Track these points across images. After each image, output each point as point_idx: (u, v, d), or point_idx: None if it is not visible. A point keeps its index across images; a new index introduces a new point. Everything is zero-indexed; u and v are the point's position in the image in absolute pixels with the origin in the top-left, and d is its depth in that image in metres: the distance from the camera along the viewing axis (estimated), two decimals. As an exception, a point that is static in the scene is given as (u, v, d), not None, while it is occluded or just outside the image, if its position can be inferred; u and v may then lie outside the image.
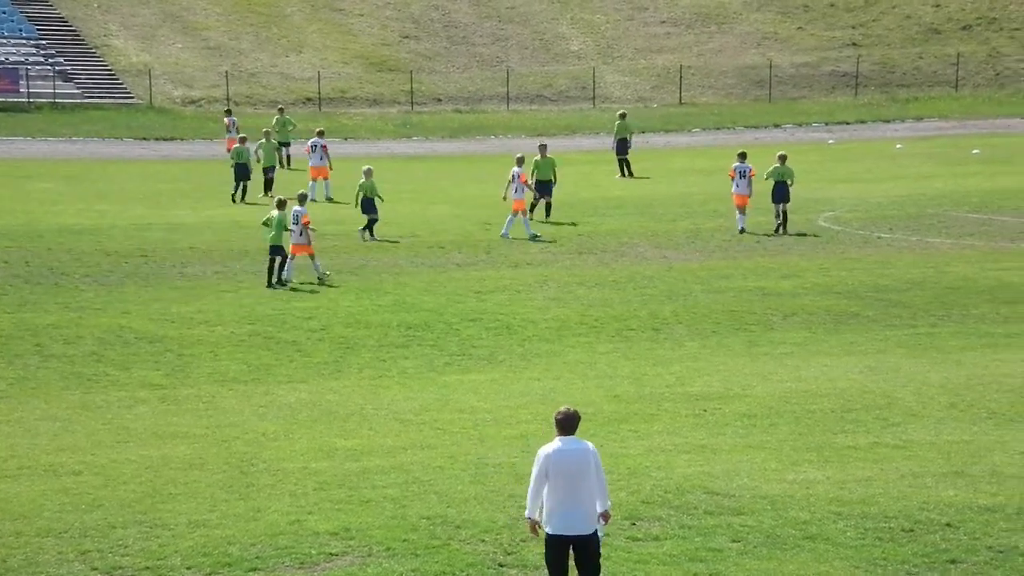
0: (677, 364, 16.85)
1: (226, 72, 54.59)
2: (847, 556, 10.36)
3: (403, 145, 48.29)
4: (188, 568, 10.25)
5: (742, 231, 27.18)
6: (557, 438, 9.00)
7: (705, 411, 14.55)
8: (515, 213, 26.68)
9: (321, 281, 22.53)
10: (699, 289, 21.56)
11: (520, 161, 27.24)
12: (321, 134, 33.64)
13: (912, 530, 10.87)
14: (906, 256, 24.42)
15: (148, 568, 10.26)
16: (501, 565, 10.23)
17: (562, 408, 9.10)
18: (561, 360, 17.23)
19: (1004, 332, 18.37)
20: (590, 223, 28.68)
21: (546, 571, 9.08)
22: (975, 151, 41.70)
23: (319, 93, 54.77)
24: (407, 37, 60.66)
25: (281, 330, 19.00)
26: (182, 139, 48.10)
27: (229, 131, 40.99)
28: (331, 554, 10.49)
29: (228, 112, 43.36)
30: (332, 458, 13.01)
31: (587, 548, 8.86)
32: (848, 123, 52.45)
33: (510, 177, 26.85)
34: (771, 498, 11.55)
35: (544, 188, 29.00)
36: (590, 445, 8.98)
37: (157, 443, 13.62)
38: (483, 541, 10.70)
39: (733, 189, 27.63)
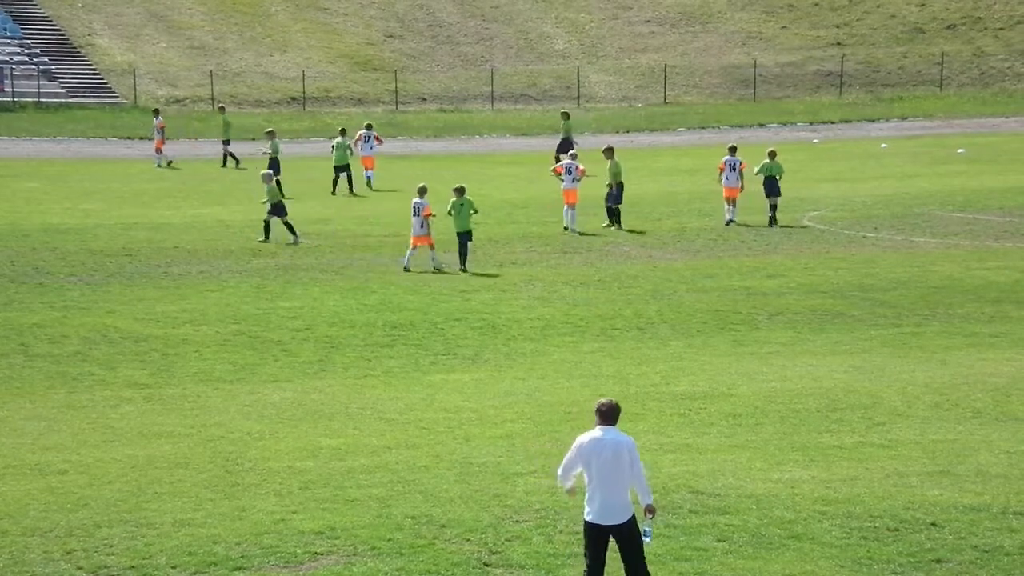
0: (662, 363, 16.87)
1: (211, 71, 54.46)
2: (832, 555, 10.38)
3: (387, 144, 48.24)
4: (173, 567, 10.22)
5: (729, 223, 27.57)
6: (597, 427, 9.13)
7: (690, 410, 14.57)
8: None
9: (438, 271, 23.02)
10: (684, 288, 21.59)
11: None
12: (370, 127, 36.18)
13: (897, 529, 10.89)
14: (891, 255, 24.49)
15: (133, 567, 10.23)
16: (486, 564, 10.23)
17: (603, 398, 9.32)
18: (546, 359, 17.23)
19: (989, 331, 18.44)
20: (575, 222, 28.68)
21: (584, 562, 9.13)
22: (960, 150, 41.85)
23: (304, 92, 54.68)
24: (391, 36, 60.61)
25: (266, 329, 18.96)
26: (167, 139, 47.91)
27: (159, 132, 40.36)
28: (316, 553, 10.47)
29: (156, 112, 42.68)
30: (317, 457, 12.99)
31: (624, 536, 9.03)
32: (833, 122, 52.59)
33: (563, 169, 27.00)
34: (756, 497, 11.57)
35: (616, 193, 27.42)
36: (628, 438, 9.14)
37: (142, 442, 13.58)
38: (468, 540, 10.69)
39: (723, 182, 27.93)
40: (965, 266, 23.24)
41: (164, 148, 40.43)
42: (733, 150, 28.45)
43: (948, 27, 61.97)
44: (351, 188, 33.72)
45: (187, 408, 15.00)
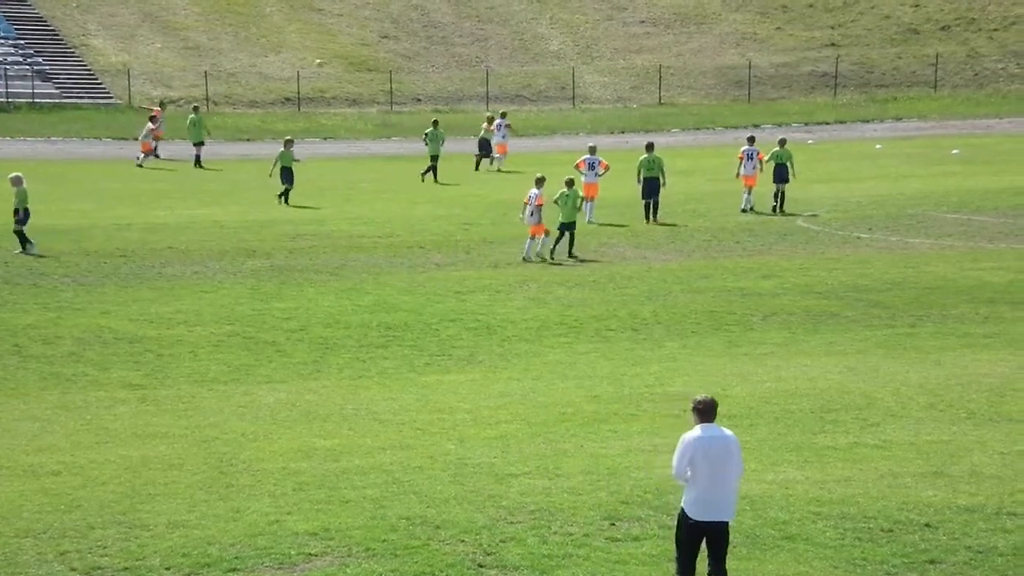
0: (656, 364, 16.87)
1: (205, 72, 54.40)
2: (826, 556, 10.39)
3: (382, 145, 48.22)
4: (167, 569, 10.20)
5: (746, 210, 29.49)
6: (698, 426, 9.14)
7: (684, 411, 14.45)
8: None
9: (542, 259, 23.86)
10: (679, 289, 21.60)
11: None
12: (504, 115, 40.44)
13: (891, 530, 10.90)
14: (885, 256, 24.51)
15: (127, 568, 10.21)
16: (480, 566, 10.22)
17: (699, 396, 9.27)
18: (541, 360, 17.23)
19: (983, 332, 18.46)
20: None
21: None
22: (955, 151, 41.90)
23: (298, 93, 54.64)
24: (386, 37, 60.57)
25: (260, 330, 18.94)
26: (161, 139, 47.85)
27: (146, 135, 40.47)
28: (310, 554, 10.46)
29: (163, 104, 42.92)
30: (311, 458, 12.98)
31: (722, 535, 9.12)
32: (827, 123, 52.64)
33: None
34: (751, 498, 11.57)
35: (651, 187, 28.30)
36: (732, 434, 9.18)
37: (136, 443, 13.56)
38: (463, 541, 10.69)
39: (741, 171, 29.93)
40: (959, 267, 23.26)
41: (147, 149, 40.41)
42: (752, 140, 30.62)
43: (942, 28, 62.05)
44: (435, 177, 35.84)
45: (181, 409, 14.97)
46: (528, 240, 24.29)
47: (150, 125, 40.48)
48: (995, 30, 61.69)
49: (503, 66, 59.04)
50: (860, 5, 63.54)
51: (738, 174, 30.28)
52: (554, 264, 24.17)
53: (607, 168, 29.03)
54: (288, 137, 34.80)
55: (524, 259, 24.04)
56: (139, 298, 21.12)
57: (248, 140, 48.14)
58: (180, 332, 18.80)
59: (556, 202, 24.41)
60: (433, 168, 36.19)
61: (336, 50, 58.94)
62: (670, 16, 63.30)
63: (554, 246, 24.41)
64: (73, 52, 55.76)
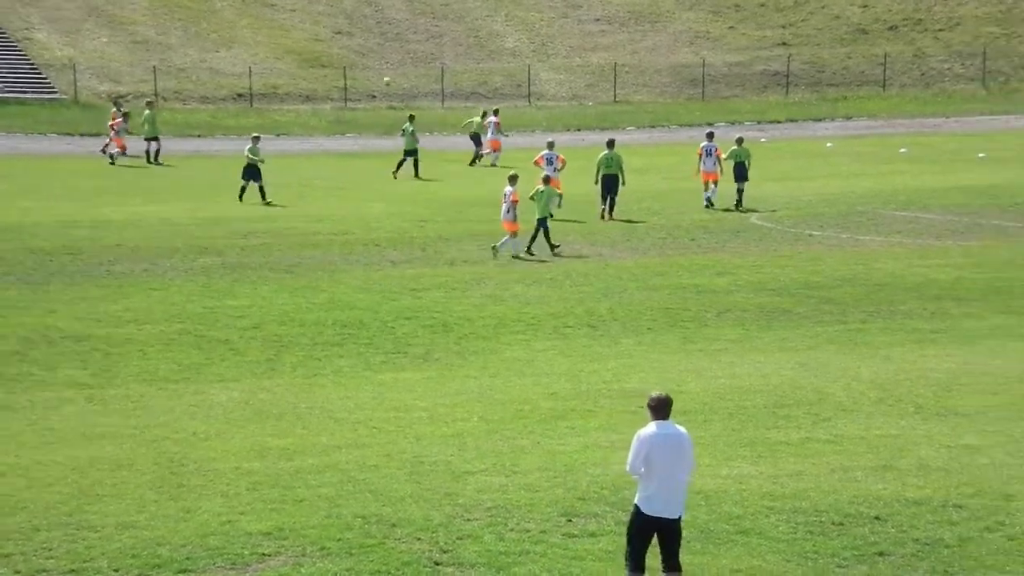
0: (613, 361, 16.91)
1: (154, 67, 53.80)
2: (779, 550, 10.46)
3: (336, 142, 47.97)
4: (115, 570, 10.06)
5: (708, 205, 29.91)
6: (653, 423, 9.22)
7: (641, 407, 14.48)
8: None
9: (516, 256, 24.03)
10: (634, 286, 21.66)
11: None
12: (496, 112, 40.81)
13: (842, 523, 11.01)
14: (836, 253, 24.75)
15: (73, 571, 10.06)
16: (437, 563, 10.18)
17: (654, 393, 9.37)
18: (498, 358, 17.20)
19: (931, 328, 18.69)
20: (525, 221, 28.67)
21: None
22: (903, 150, 42.41)
23: (250, 89, 54.19)
24: (340, 33, 60.25)
25: (212, 328, 18.75)
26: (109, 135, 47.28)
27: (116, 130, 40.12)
28: (264, 554, 10.36)
29: (117, 103, 42.60)
30: (265, 458, 12.86)
31: (674, 531, 9.19)
32: (779, 122, 53.04)
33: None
34: (705, 493, 11.63)
35: (610, 184, 28.59)
36: (685, 431, 9.25)
37: (84, 444, 13.37)
38: (419, 539, 10.64)
39: (701, 167, 30.31)
40: (907, 264, 23.54)
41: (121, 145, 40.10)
42: (711, 136, 31.10)
43: (890, 28, 62.75)
44: (416, 172, 35.97)
45: (130, 409, 14.78)
46: (505, 236, 24.47)
47: (123, 124, 39.80)
48: (941, 30, 62.49)
49: (459, 63, 58.93)
50: (810, 5, 64.11)
51: (698, 170, 30.66)
52: (509, 262, 24.15)
53: (564, 163, 29.39)
54: (255, 134, 34.48)
55: (493, 249, 24.25)
56: (87, 296, 20.83)
57: (199, 136, 47.68)
58: (129, 330, 18.56)
59: (532, 198, 24.76)
60: (401, 163, 36.29)
61: (289, 46, 58.52)
62: (625, 14, 63.51)
63: (530, 243, 24.59)
64: (16, 46, 54.91)
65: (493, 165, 38.96)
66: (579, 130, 50.45)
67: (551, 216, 25.16)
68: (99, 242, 25.85)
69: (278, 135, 48.39)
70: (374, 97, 56.06)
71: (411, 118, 37.32)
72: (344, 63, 57.09)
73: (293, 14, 60.97)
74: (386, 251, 25.20)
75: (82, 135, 46.85)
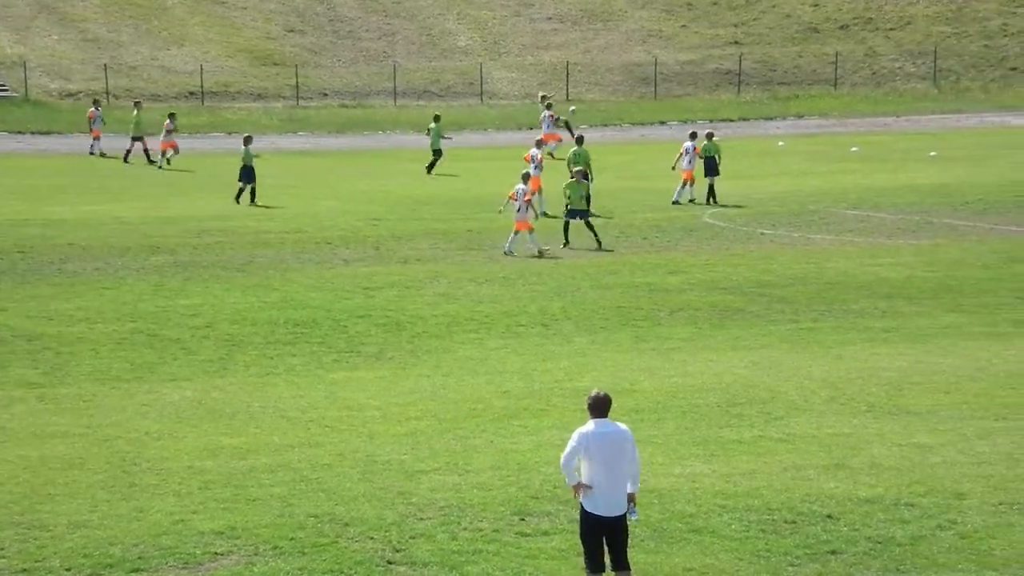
0: (566, 359, 16.96)
1: (105, 65, 53.21)
2: (732, 548, 10.55)
3: (289, 140, 47.71)
4: (67, 570, 9.98)
5: (689, 201, 30.67)
6: (591, 421, 9.20)
7: (594, 406, 14.66)
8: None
9: (540, 255, 23.93)
10: (587, 285, 21.74)
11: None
12: (550, 106, 40.69)
13: (794, 522, 11.11)
14: (788, 252, 24.97)
15: (25, 570, 9.96)
16: (390, 562, 10.18)
17: (592, 392, 9.35)
18: (451, 356, 17.21)
19: (882, 326, 18.90)
20: (479, 219, 28.69)
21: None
22: (854, 149, 42.84)
23: (202, 87, 53.75)
24: (292, 31, 59.90)
25: (164, 327, 18.60)
26: (59, 133, 46.72)
27: (94, 123, 39.95)
28: (216, 554, 10.31)
29: (96, 101, 42.46)
30: (217, 457, 12.79)
31: (619, 529, 9.21)
32: (732, 120, 53.38)
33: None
34: (658, 492, 11.70)
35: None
36: (626, 428, 9.25)
37: (35, 443, 13.23)
38: (371, 538, 10.63)
39: (682, 165, 31.11)
40: (859, 262, 23.79)
41: (99, 139, 39.74)
42: (693, 136, 31.82)
43: (841, 27, 63.37)
44: (429, 170, 36.13)
45: (82, 408, 14.64)
46: (512, 234, 24.39)
47: (168, 124, 39.14)
48: (891, 29, 63.20)
49: (411, 61, 58.79)
50: (762, 4, 64.60)
51: (674, 167, 31.34)
52: (462, 261, 24.16)
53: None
54: (247, 134, 33.97)
55: (505, 253, 24.18)
56: (37, 295, 20.59)
57: (150, 135, 47.23)
58: (81, 329, 18.37)
59: (565, 190, 25.12)
60: (433, 162, 36.47)
61: (241, 44, 58.10)
62: (577, 13, 63.67)
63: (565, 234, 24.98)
64: (-34, 43, 54.09)
65: (551, 155, 38.08)
66: (531, 129, 50.51)
67: (587, 210, 25.29)
68: (51, 241, 25.55)
69: (229, 133, 48.01)
70: (326, 95, 55.80)
71: (436, 118, 37.71)
72: (296, 61, 56.77)
73: (245, 12, 60.54)
74: (339, 249, 25.11)
75: (33, 133, 46.27)
